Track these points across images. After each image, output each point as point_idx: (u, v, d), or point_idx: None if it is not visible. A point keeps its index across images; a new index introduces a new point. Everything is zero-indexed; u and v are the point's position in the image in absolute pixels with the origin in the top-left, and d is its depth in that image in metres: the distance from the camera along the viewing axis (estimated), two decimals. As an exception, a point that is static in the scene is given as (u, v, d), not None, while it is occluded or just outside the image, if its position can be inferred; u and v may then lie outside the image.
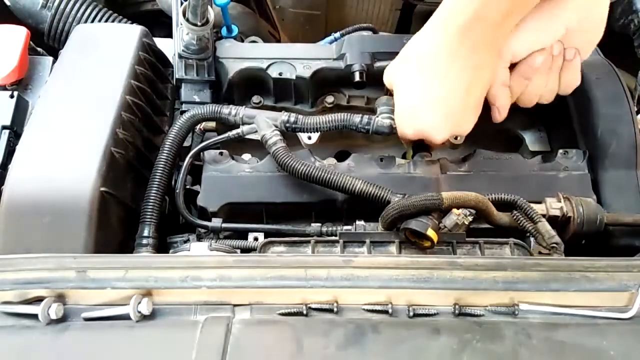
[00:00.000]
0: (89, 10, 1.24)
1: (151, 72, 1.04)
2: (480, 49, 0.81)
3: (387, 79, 0.93)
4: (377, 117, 0.94)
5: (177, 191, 0.94)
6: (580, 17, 0.82)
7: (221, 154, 0.97)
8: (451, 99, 0.85)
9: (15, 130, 0.96)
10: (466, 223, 0.82)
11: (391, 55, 1.07)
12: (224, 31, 1.18)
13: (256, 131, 0.95)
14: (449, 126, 0.89)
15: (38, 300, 0.64)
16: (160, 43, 1.12)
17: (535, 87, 0.89)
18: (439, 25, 0.83)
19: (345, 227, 0.89)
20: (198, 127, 1.04)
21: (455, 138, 1.08)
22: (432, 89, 0.85)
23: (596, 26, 0.84)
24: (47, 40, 1.24)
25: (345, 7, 1.62)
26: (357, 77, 1.05)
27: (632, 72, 1.26)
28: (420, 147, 1.01)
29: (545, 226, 0.84)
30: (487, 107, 0.91)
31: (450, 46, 0.82)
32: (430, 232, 0.78)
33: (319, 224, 0.91)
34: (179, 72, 1.07)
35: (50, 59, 1.07)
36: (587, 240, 0.91)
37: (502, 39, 0.83)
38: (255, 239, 0.91)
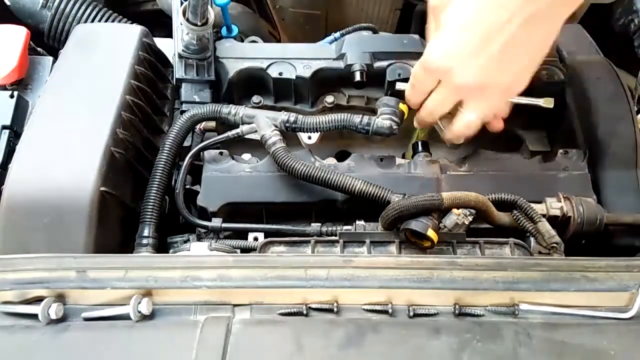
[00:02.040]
0: (89, 10, 1.24)
1: (151, 72, 1.04)
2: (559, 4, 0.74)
3: (433, 5, 0.84)
4: (377, 117, 0.94)
5: (177, 191, 0.94)
6: None
7: (221, 153, 0.97)
8: (499, 36, 0.76)
9: (15, 130, 0.96)
10: (466, 223, 0.82)
11: (391, 55, 1.07)
12: (224, 31, 1.18)
13: (256, 131, 0.95)
14: (485, 69, 0.79)
15: (38, 300, 0.64)
16: (160, 43, 1.12)
17: None
18: None
19: (345, 227, 0.89)
20: (198, 127, 1.04)
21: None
22: (482, 17, 0.77)
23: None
24: (47, 40, 1.24)
25: (345, 7, 1.62)
26: (357, 77, 1.05)
27: (632, 72, 1.26)
28: (424, 145, 1.01)
29: (545, 226, 0.84)
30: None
31: None
32: (431, 233, 0.78)
33: (319, 224, 0.91)
34: (179, 72, 1.07)
35: (50, 59, 1.07)
36: (587, 240, 0.91)
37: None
38: (255, 239, 0.91)
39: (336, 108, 1.10)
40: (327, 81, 1.10)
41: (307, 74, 1.06)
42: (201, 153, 0.97)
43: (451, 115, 0.89)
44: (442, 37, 0.81)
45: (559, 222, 0.88)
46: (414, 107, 0.93)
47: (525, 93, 1.08)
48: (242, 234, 0.92)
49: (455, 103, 0.86)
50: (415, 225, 0.79)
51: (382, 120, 0.93)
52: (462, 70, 0.80)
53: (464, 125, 0.87)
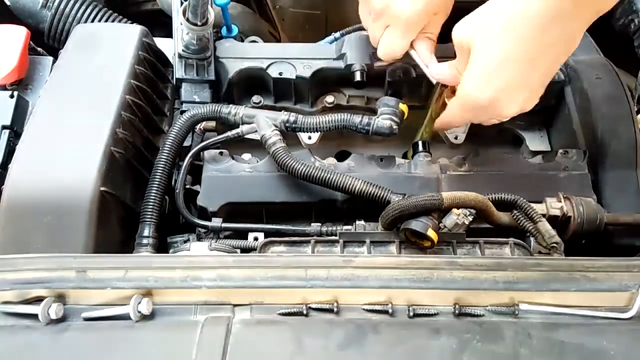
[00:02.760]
0: (89, 10, 1.24)
1: (151, 72, 1.04)
2: (586, 11, 0.72)
3: (460, 37, 0.82)
4: (378, 117, 0.94)
5: (177, 191, 0.94)
6: None
7: (221, 153, 0.97)
8: (544, 61, 0.76)
9: (15, 130, 0.96)
10: (466, 223, 0.82)
11: (391, 55, 1.07)
12: (224, 31, 1.18)
13: (256, 131, 0.95)
14: (529, 97, 0.80)
15: (38, 300, 0.64)
16: (160, 43, 1.12)
17: None
18: None
19: (345, 227, 0.89)
20: (198, 127, 1.04)
21: (456, 138, 1.08)
22: (526, 45, 0.75)
23: None
24: (47, 40, 1.24)
25: (345, 7, 1.62)
26: (357, 77, 1.05)
27: (632, 72, 1.26)
28: (424, 145, 1.01)
29: (545, 226, 0.84)
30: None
31: (557, 2, 0.71)
32: (431, 233, 0.78)
33: (319, 224, 0.91)
34: (179, 72, 1.07)
35: (50, 59, 1.07)
36: (587, 240, 0.91)
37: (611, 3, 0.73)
38: (255, 238, 0.91)
39: (336, 108, 1.10)
40: (327, 81, 1.10)
41: (307, 74, 1.06)
42: (201, 153, 0.97)
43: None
44: (484, 72, 0.79)
45: (559, 222, 0.88)
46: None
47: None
48: (242, 234, 0.92)
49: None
50: (415, 225, 0.79)
51: (382, 120, 0.93)
52: (509, 105, 0.80)
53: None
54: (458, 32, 0.82)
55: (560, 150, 0.98)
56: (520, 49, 0.75)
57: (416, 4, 0.89)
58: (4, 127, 0.95)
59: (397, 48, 0.94)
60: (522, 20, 0.74)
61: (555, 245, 0.83)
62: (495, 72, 0.78)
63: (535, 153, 1.07)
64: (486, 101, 0.80)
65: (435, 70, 0.92)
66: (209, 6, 1.00)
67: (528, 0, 0.72)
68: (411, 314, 0.65)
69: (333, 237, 0.86)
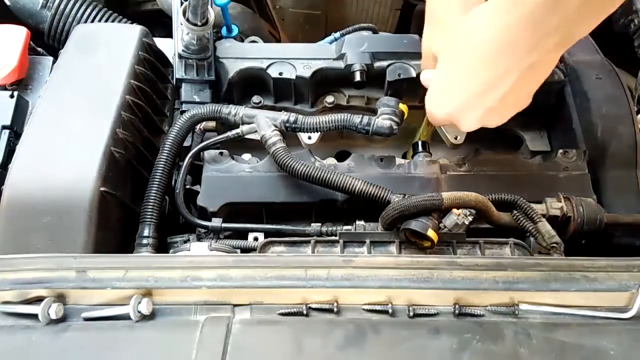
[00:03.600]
0: (89, 10, 1.24)
1: (151, 72, 1.04)
2: (548, 42, 0.69)
3: (428, 48, 0.86)
4: (377, 117, 0.94)
5: (177, 191, 0.94)
6: None
7: (221, 154, 0.97)
8: (495, 91, 0.76)
9: (15, 130, 0.96)
10: (466, 223, 0.82)
11: (391, 55, 1.07)
12: (224, 31, 1.18)
13: (256, 131, 0.95)
14: (483, 118, 0.80)
15: (38, 300, 0.64)
16: (160, 43, 1.12)
17: None
18: (506, 4, 0.69)
19: (345, 227, 0.89)
20: (198, 127, 1.04)
21: (455, 138, 1.08)
22: (478, 73, 0.76)
23: None
24: (47, 40, 1.24)
25: (345, 7, 1.62)
26: (357, 77, 1.05)
27: (632, 72, 1.26)
28: (423, 145, 1.01)
29: (545, 226, 0.84)
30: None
31: (511, 33, 0.69)
32: (431, 233, 0.78)
33: (319, 224, 0.91)
34: (179, 72, 1.07)
35: (50, 59, 1.07)
36: (587, 240, 0.91)
37: (577, 36, 0.70)
38: (255, 239, 0.91)
39: (336, 108, 1.10)
40: (327, 81, 1.10)
41: (307, 74, 1.06)
42: (201, 153, 0.97)
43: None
44: (440, 90, 0.83)
45: (559, 222, 0.88)
46: None
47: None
48: (242, 234, 0.92)
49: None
50: (415, 225, 0.79)
51: (382, 121, 0.93)
52: (462, 122, 0.82)
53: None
54: (425, 43, 0.87)
55: (560, 150, 0.98)
56: (473, 74, 0.77)
57: None
58: (4, 127, 0.95)
59: None
60: (477, 45, 0.74)
61: (555, 245, 0.83)
62: (449, 93, 0.81)
63: (535, 153, 1.07)
64: (442, 117, 0.84)
65: (423, 77, 0.93)
66: (209, 6, 1.00)
67: (485, 26, 0.73)
68: (411, 314, 0.65)
69: (333, 237, 0.86)
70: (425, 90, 0.91)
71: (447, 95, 0.82)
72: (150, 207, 0.90)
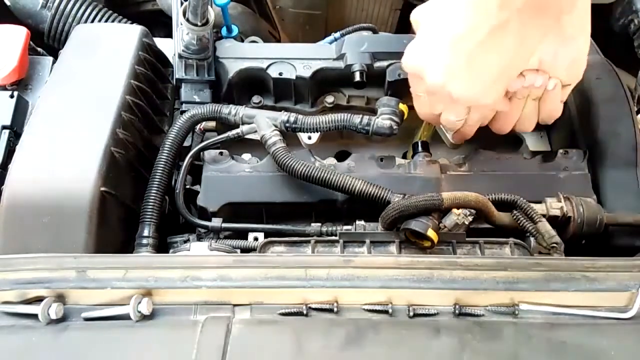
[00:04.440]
0: (89, 10, 1.24)
1: (151, 72, 1.04)
2: (530, 15, 0.72)
3: (414, 18, 0.85)
4: (378, 117, 0.94)
5: (177, 191, 0.94)
6: (555, 50, 0.79)
7: (221, 154, 0.97)
8: (463, 43, 0.76)
9: (15, 130, 0.96)
10: (466, 223, 0.82)
11: (391, 55, 1.07)
12: (224, 31, 1.18)
13: (256, 131, 0.95)
14: (447, 74, 0.79)
15: (38, 300, 0.64)
16: (160, 43, 1.12)
17: (510, 112, 0.87)
18: None
19: (345, 227, 0.89)
20: (198, 127, 1.04)
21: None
22: (449, 25, 0.77)
23: (575, 61, 0.82)
24: (47, 40, 1.24)
25: (345, 7, 1.62)
26: (357, 77, 1.05)
27: (632, 72, 1.26)
28: (424, 145, 1.01)
29: (545, 226, 0.84)
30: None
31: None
32: (431, 233, 0.78)
33: (319, 224, 0.91)
34: (179, 72, 1.07)
35: (50, 59, 1.07)
36: (587, 240, 0.91)
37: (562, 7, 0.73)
38: (255, 239, 0.91)
39: (336, 108, 1.10)
40: (327, 81, 1.10)
41: (307, 74, 1.06)
42: (201, 153, 0.97)
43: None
44: (415, 41, 0.83)
45: (559, 222, 0.88)
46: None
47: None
48: (242, 234, 0.92)
49: (433, 105, 0.87)
50: (415, 225, 0.79)
51: (382, 121, 0.93)
52: (431, 70, 0.81)
53: (448, 126, 0.91)
54: (413, 14, 0.85)
55: (560, 150, 0.98)
56: (444, 26, 0.78)
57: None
58: (4, 127, 0.95)
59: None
60: (456, 12, 0.76)
61: (555, 245, 0.83)
62: (420, 43, 0.82)
63: (535, 153, 1.07)
64: (410, 67, 0.85)
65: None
66: (209, 6, 1.00)
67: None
68: (411, 314, 0.65)
69: (333, 237, 0.86)
70: None
71: (418, 45, 0.83)
72: (150, 207, 0.90)
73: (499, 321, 0.64)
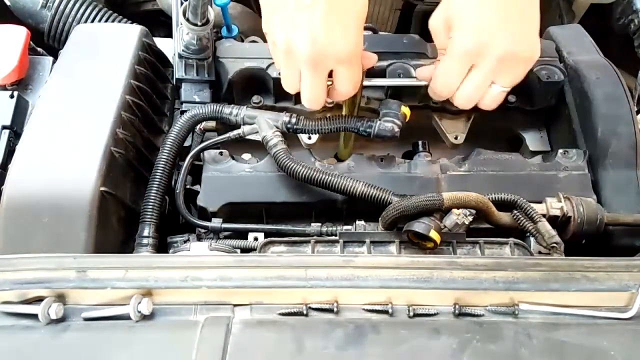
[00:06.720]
0: (89, 10, 1.24)
1: (151, 72, 1.04)
2: None
3: (437, 22, 0.85)
4: (380, 120, 0.94)
5: (177, 191, 0.94)
6: None
7: (221, 154, 0.97)
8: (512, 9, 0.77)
9: (15, 130, 0.96)
10: (466, 223, 0.82)
11: (391, 55, 1.07)
12: (224, 31, 1.18)
13: (257, 132, 0.95)
14: (513, 32, 0.78)
15: (38, 300, 0.64)
16: (160, 43, 1.12)
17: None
18: None
19: (345, 227, 0.89)
20: (198, 127, 1.04)
21: (456, 138, 1.08)
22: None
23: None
24: (47, 40, 1.24)
25: (345, 7, 1.62)
26: (357, 77, 1.05)
27: (632, 72, 1.26)
28: (424, 145, 1.01)
29: (545, 226, 0.84)
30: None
31: None
32: (433, 234, 0.78)
33: (319, 224, 0.91)
34: (179, 72, 1.07)
35: (50, 59, 1.07)
36: (587, 240, 0.91)
37: None
38: (255, 239, 0.91)
39: (336, 108, 1.10)
40: (327, 81, 1.09)
41: (307, 74, 1.06)
42: (201, 153, 0.97)
43: None
44: (464, 24, 0.80)
45: (559, 222, 0.88)
46: (440, 99, 0.91)
47: (526, 93, 1.08)
48: (242, 234, 0.92)
49: (491, 82, 0.84)
50: (417, 226, 0.79)
51: (385, 123, 0.93)
52: (496, 42, 0.78)
53: (494, 100, 0.86)
54: (434, 20, 0.84)
55: (560, 150, 0.98)
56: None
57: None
58: (4, 127, 0.95)
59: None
60: None
61: (555, 245, 0.83)
62: (472, 21, 0.79)
63: (535, 153, 1.07)
64: (475, 44, 0.79)
65: (421, 74, 0.93)
66: (209, 6, 1.00)
67: None
68: (411, 314, 0.65)
69: (333, 237, 0.86)
70: (425, 89, 0.91)
71: (474, 22, 0.79)
72: (150, 207, 0.90)
73: (499, 321, 0.64)
